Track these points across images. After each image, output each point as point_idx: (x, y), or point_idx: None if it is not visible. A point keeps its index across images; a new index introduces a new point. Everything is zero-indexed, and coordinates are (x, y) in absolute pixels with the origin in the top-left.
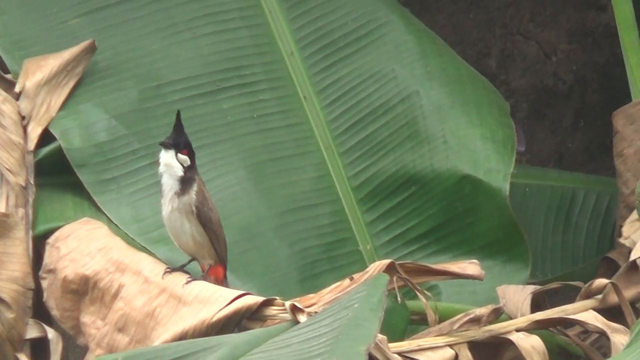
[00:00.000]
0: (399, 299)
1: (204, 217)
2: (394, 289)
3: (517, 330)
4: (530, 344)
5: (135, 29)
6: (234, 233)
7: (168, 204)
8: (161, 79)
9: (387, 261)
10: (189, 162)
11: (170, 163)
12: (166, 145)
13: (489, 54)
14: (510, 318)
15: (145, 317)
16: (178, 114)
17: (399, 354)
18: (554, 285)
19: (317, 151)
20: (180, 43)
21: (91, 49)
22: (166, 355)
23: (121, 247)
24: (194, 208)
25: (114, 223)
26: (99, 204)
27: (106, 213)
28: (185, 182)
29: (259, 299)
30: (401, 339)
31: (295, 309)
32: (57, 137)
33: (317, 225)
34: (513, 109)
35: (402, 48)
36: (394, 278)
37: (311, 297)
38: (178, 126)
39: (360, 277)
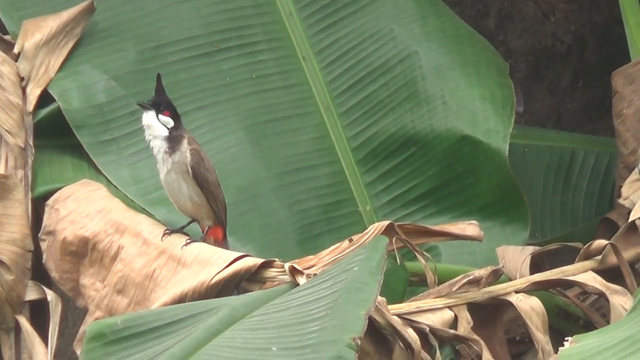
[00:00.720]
0: (398, 260)
1: (200, 178)
2: (393, 250)
3: (516, 292)
4: (530, 305)
5: None
6: (233, 194)
7: (162, 165)
8: (160, 40)
9: (386, 222)
10: (172, 123)
11: (151, 124)
12: (145, 107)
13: (488, 14)
14: (510, 279)
15: (145, 279)
16: (158, 77)
17: (398, 315)
18: (553, 246)
19: (316, 112)
20: (180, 3)
21: (90, 10)
22: (166, 318)
23: (120, 209)
24: (189, 168)
25: (113, 184)
26: (98, 165)
27: (105, 174)
28: (172, 141)
29: (258, 260)
30: (400, 301)
31: (294, 271)
32: (56, 98)
33: (316, 186)
34: (511, 69)
35: (401, 8)
36: (393, 239)
37: (310, 259)
38: (158, 88)
39: (359, 238)
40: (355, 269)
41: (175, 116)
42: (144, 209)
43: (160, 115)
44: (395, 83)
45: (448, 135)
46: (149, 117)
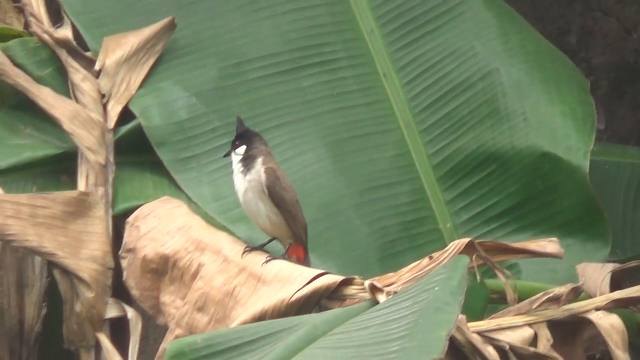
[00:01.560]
0: (478, 278)
1: (276, 197)
2: (473, 267)
3: (596, 309)
4: (610, 322)
5: (216, 6)
6: (313, 211)
7: (240, 185)
8: (241, 57)
9: (466, 240)
10: (244, 148)
11: (232, 160)
12: (228, 155)
13: (569, 30)
14: (590, 297)
15: (225, 297)
16: (238, 119)
17: (478, 333)
18: (634, 263)
19: (397, 129)
20: (261, 20)
21: (171, 26)
22: (246, 336)
23: (201, 226)
24: (265, 188)
25: (193, 202)
26: (178, 183)
27: (186, 191)
28: (246, 160)
29: (338, 278)
30: (480, 318)
31: (374, 288)
32: (137, 115)
33: (396, 204)
34: (593, 86)
35: (482, 25)
36: (473, 257)
37: (390, 276)
38: (237, 128)
39: (439, 255)
40: (436, 288)
41: (249, 140)
42: (224, 226)
43: (235, 151)
44: (476, 100)
45: (529, 152)
46: (230, 158)
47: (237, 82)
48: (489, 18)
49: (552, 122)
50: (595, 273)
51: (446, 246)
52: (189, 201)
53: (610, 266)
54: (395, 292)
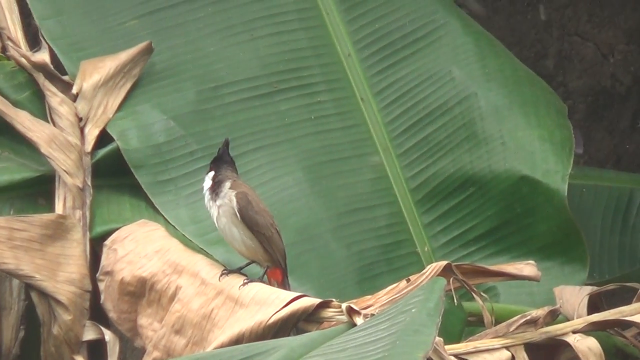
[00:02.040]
0: (455, 300)
1: (249, 221)
2: (450, 290)
3: (574, 332)
4: (587, 345)
5: (194, 30)
6: (291, 234)
7: (213, 211)
8: (219, 81)
9: (443, 262)
10: (212, 174)
11: (204, 185)
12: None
13: (547, 55)
14: (567, 319)
15: (202, 319)
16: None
17: (456, 356)
18: (611, 286)
19: (375, 153)
20: (238, 45)
21: (148, 51)
22: None
23: (178, 249)
24: (237, 212)
25: (171, 224)
26: (156, 205)
27: (163, 214)
28: (215, 186)
29: (315, 300)
30: (458, 341)
31: (351, 311)
32: (114, 137)
33: (374, 227)
34: (570, 110)
35: (459, 50)
36: (451, 279)
37: (367, 299)
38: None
39: (417, 278)
40: (413, 310)
41: (217, 166)
42: (202, 249)
43: (206, 175)
44: (454, 124)
45: (507, 175)
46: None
47: (214, 106)
48: (467, 43)
49: (530, 145)
50: (573, 296)
51: (424, 269)
52: (167, 224)
53: (588, 289)
54: (372, 315)
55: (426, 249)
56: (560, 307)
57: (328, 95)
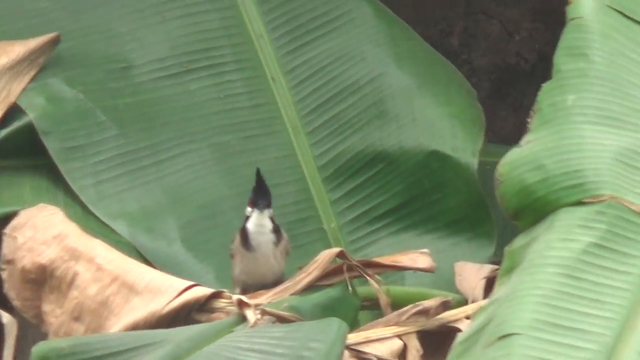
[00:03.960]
0: (350, 288)
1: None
2: (344, 278)
3: (467, 318)
4: None
5: (106, 12)
6: (194, 211)
7: (269, 256)
8: (129, 61)
9: (336, 249)
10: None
11: (265, 224)
12: (261, 207)
13: (452, 32)
14: (464, 297)
15: (99, 306)
16: (258, 172)
17: (347, 346)
18: None
19: (284, 131)
20: (150, 26)
21: (56, 42)
22: (112, 347)
23: (76, 234)
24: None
25: (70, 203)
26: (63, 173)
27: (69, 182)
28: (276, 232)
29: (207, 291)
30: (352, 329)
31: (242, 304)
32: (23, 107)
33: (280, 204)
34: (475, 87)
35: (371, 31)
36: (344, 266)
37: (261, 293)
38: (261, 183)
39: (309, 266)
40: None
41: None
42: (104, 224)
43: (264, 210)
44: (365, 102)
45: (416, 151)
46: (263, 218)
47: (124, 85)
48: (379, 24)
49: (441, 122)
50: (472, 274)
51: (330, 246)
52: (66, 205)
53: (487, 269)
54: (263, 310)
55: (333, 225)
56: (457, 285)
57: (238, 74)
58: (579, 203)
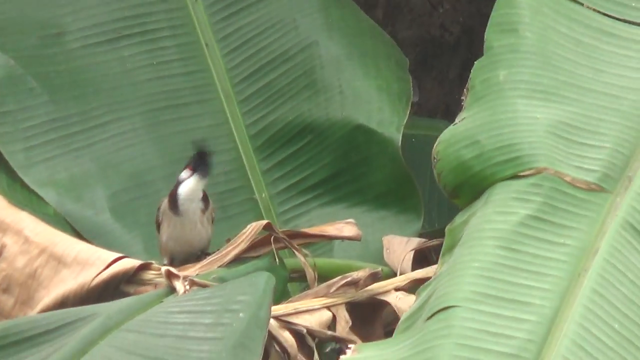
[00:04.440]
0: (277, 259)
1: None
2: (272, 249)
3: (396, 290)
4: (408, 304)
5: None
6: (124, 180)
7: (195, 221)
8: (63, 27)
9: (263, 222)
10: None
11: (198, 191)
12: (203, 175)
13: (376, 4)
14: (393, 270)
15: (28, 278)
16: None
17: (276, 318)
18: (436, 242)
19: (217, 99)
20: None
21: None
22: (41, 327)
23: (3, 206)
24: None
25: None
26: None
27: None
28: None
29: (136, 262)
30: (280, 301)
31: (170, 275)
32: None
33: (212, 174)
34: None
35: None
36: (272, 238)
37: (189, 266)
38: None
39: (236, 239)
40: (240, 315)
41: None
42: (33, 192)
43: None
44: (295, 72)
45: (343, 124)
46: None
47: (57, 51)
48: None
49: (368, 95)
50: (400, 247)
51: (261, 216)
52: None
53: (415, 242)
54: (192, 281)
55: (264, 195)
56: (386, 259)
57: (172, 40)
58: (515, 177)
